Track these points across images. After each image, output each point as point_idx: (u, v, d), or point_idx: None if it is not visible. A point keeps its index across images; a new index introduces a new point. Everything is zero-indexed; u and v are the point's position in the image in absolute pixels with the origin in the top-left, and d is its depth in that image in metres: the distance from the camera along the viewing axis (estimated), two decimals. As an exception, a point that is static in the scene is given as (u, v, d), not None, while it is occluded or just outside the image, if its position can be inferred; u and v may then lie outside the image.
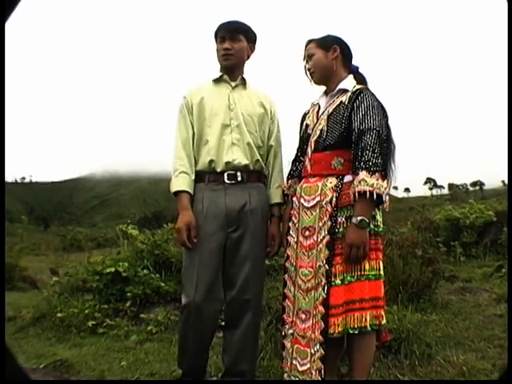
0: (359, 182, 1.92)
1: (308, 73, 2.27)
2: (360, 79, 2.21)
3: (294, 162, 2.35)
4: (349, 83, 2.17)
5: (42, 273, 10.78)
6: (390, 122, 2.12)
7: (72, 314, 4.82)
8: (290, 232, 2.19)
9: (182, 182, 2.30)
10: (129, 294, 4.50)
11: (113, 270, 4.95)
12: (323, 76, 2.23)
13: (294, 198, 2.20)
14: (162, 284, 4.64)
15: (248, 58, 2.46)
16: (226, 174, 2.31)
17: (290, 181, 2.34)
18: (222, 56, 2.39)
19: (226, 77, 2.43)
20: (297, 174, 2.30)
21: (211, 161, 2.31)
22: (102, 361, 3.57)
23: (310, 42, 2.26)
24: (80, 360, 3.57)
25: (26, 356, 3.90)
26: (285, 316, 2.17)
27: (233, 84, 2.43)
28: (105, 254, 5.65)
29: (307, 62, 2.26)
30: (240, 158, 2.32)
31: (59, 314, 4.85)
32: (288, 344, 2.12)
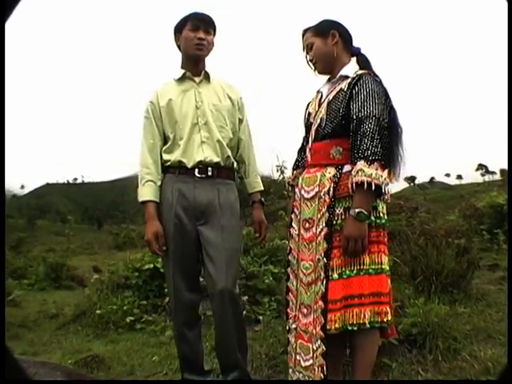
0: (357, 172, 1.83)
1: (311, 64, 2.18)
2: (363, 62, 2.10)
3: (299, 151, 2.28)
4: (352, 68, 2.08)
5: (92, 272, 11.16)
6: (394, 107, 2.01)
7: (111, 310, 4.96)
8: (292, 224, 2.12)
9: (147, 192, 2.32)
10: (167, 290, 4.57)
11: (151, 266, 5.06)
12: (326, 64, 2.13)
13: (297, 189, 2.13)
14: (201, 279, 4.67)
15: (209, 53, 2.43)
16: (196, 169, 2.30)
17: (295, 171, 2.27)
18: (195, 45, 2.33)
19: (189, 74, 2.39)
20: (302, 164, 2.23)
21: (180, 161, 2.32)
22: (135, 356, 3.63)
23: (306, 31, 2.17)
24: (113, 356, 3.64)
25: (62, 352, 4.01)
26: (288, 310, 2.11)
27: (197, 80, 2.39)
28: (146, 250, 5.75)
29: (307, 52, 2.17)
30: (211, 155, 2.31)
31: (98, 311, 5.00)
32: (292, 339, 2.07)
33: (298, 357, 2.02)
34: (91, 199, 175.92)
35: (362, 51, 2.15)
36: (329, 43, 2.10)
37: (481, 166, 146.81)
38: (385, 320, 1.89)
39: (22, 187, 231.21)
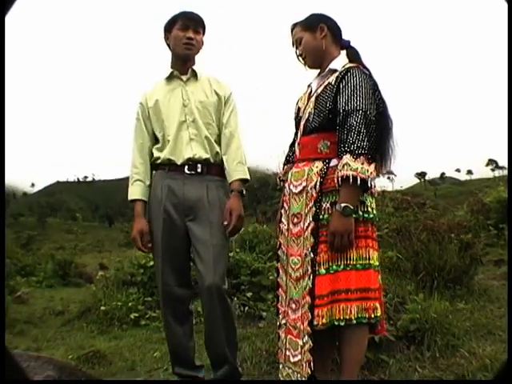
0: (343, 166, 1.81)
1: (300, 58, 2.16)
2: (353, 55, 2.08)
3: (290, 146, 2.25)
4: (341, 62, 2.06)
5: (100, 269, 11.24)
6: (384, 100, 1.99)
7: (115, 307, 5.00)
8: (282, 219, 2.11)
9: (136, 191, 2.37)
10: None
11: (156, 262, 5.04)
12: (315, 58, 2.12)
13: (286, 184, 2.11)
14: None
15: (198, 51, 2.44)
16: (186, 166, 2.31)
17: (285, 166, 2.24)
18: (184, 44, 2.34)
19: (176, 72, 2.41)
20: (292, 159, 2.20)
21: (169, 159, 2.33)
22: (137, 352, 3.65)
23: (294, 26, 2.16)
24: (116, 351, 3.67)
25: (66, 348, 4.04)
26: (278, 305, 2.10)
27: (184, 78, 2.40)
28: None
29: (297, 47, 2.15)
30: (200, 152, 2.32)
31: (103, 308, 5.05)
32: (282, 334, 2.05)
33: (287, 352, 2.00)
34: (102, 197, 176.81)
35: (352, 44, 2.12)
36: (317, 37, 2.08)
37: (491, 161, 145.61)
38: (372, 316, 1.87)
39: (33, 185, 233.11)
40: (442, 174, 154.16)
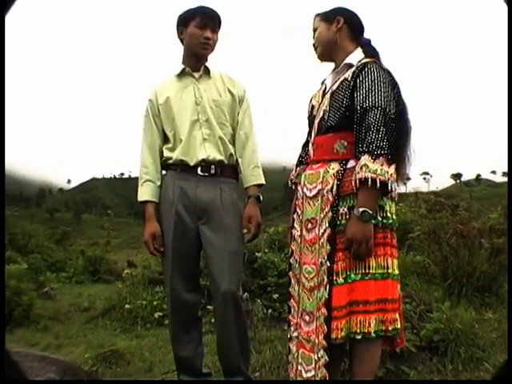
0: (360, 167, 1.68)
1: (313, 48, 2.06)
2: (370, 52, 1.94)
3: (303, 147, 2.13)
4: (357, 57, 1.93)
5: (128, 266, 11.32)
6: (402, 98, 1.86)
7: (140, 305, 4.97)
8: (295, 224, 1.98)
9: (146, 192, 2.29)
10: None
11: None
12: (326, 50, 2.00)
13: (299, 187, 1.98)
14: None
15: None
16: (199, 167, 2.23)
17: (298, 168, 2.12)
18: (201, 43, 2.25)
19: (188, 69, 2.31)
20: (305, 160, 2.08)
21: (182, 160, 2.24)
22: (157, 352, 3.62)
23: (316, 16, 2.05)
24: (136, 351, 3.65)
25: (86, 346, 4.05)
26: (290, 317, 1.97)
27: (196, 75, 2.31)
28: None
29: (313, 37, 2.05)
30: (214, 153, 2.24)
31: (127, 306, 5.03)
32: (293, 348, 1.92)
33: (299, 367, 1.88)
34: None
35: (372, 43, 2.00)
36: (332, 29, 1.97)
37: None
38: (390, 329, 1.75)
39: (69, 182, 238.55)
40: (478, 175, 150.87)
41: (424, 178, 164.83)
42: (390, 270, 1.78)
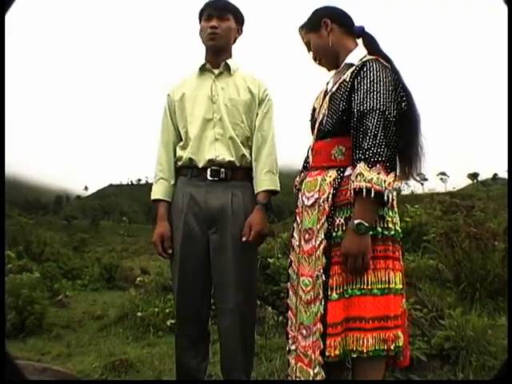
0: (356, 176, 1.59)
1: (317, 62, 1.97)
2: (369, 43, 1.85)
3: (308, 150, 2.01)
4: (359, 54, 1.82)
5: (142, 273, 11.30)
6: (410, 96, 1.74)
7: (152, 313, 4.95)
8: (294, 234, 1.89)
9: (159, 190, 2.24)
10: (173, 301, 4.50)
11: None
12: (330, 57, 1.91)
13: (300, 195, 1.89)
14: None
15: (235, 41, 2.28)
16: (208, 170, 2.14)
17: (302, 174, 2.00)
18: (207, 35, 2.20)
19: (208, 65, 2.25)
20: (309, 165, 1.97)
21: (191, 159, 2.17)
22: (167, 361, 3.59)
23: (300, 30, 1.98)
24: (146, 359, 3.63)
25: (97, 355, 4.04)
26: (288, 329, 1.88)
27: (216, 72, 2.24)
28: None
29: (309, 51, 1.97)
30: (223, 154, 2.14)
31: (139, 314, 5.01)
32: (292, 361, 1.83)
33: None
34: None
35: (366, 30, 1.89)
36: (323, 34, 1.88)
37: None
38: (391, 347, 1.64)
39: (86, 188, 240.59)
40: (495, 174, 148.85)
41: (441, 179, 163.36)
42: (391, 285, 1.68)
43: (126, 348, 4.27)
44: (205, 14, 2.22)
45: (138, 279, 6.68)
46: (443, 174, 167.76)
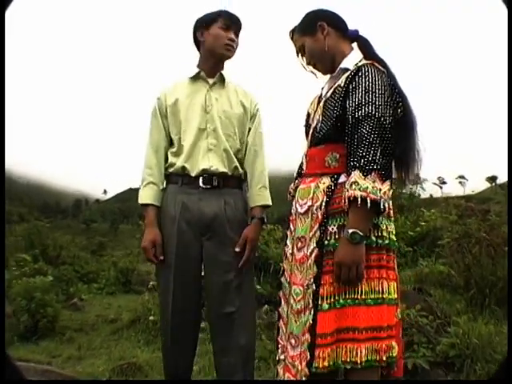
0: (350, 184, 1.55)
1: (310, 67, 1.93)
2: (364, 46, 1.83)
3: (302, 158, 1.98)
4: (355, 59, 1.80)
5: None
6: (406, 102, 1.72)
7: (163, 316, 4.95)
8: (287, 242, 1.86)
9: (148, 195, 2.22)
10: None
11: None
12: (326, 61, 1.87)
13: (293, 202, 1.87)
14: (258, 287, 4.56)
15: None
16: (201, 178, 2.15)
17: (296, 181, 1.97)
18: (225, 45, 2.20)
19: (203, 74, 2.25)
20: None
21: (184, 167, 2.17)
22: (176, 365, 3.59)
23: (292, 34, 1.94)
24: (155, 363, 3.65)
25: (107, 358, 4.07)
26: (278, 338, 1.85)
27: (210, 82, 2.24)
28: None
29: (302, 56, 1.93)
30: (217, 164, 2.16)
31: (151, 317, 5.03)
32: (280, 371, 1.78)
33: None
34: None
35: (361, 33, 1.88)
36: (319, 38, 1.84)
37: None
38: (384, 358, 1.59)
39: (105, 192, 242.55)
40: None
41: (460, 182, 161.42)
42: (385, 295, 1.64)
43: (136, 351, 4.30)
44: (222, 23, 2.20)
45: (151, 283, 6.69)
46: (462, 177, 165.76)
